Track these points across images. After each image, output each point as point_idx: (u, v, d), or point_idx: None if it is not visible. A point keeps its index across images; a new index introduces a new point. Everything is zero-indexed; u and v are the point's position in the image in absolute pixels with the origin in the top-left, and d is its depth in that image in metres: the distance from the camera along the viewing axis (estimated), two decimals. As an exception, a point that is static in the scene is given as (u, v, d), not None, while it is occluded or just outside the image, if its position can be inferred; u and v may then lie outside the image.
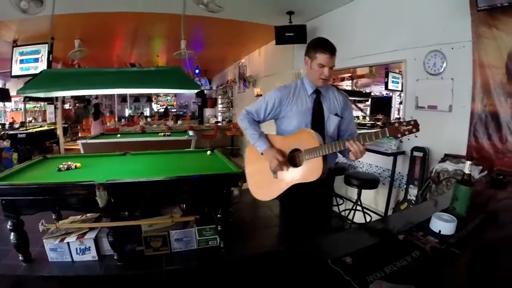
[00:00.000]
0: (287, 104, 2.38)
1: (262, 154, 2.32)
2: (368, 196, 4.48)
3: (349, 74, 7.37)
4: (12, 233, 3.22)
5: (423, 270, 1.20)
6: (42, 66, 6.23)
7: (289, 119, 2.39)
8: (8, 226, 3.20)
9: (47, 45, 6.03)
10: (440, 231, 1.50)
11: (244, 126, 2.44)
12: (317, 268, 1.26)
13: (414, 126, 1.86)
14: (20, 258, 3.35)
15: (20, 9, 3.31)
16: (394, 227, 1.65)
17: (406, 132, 1.86)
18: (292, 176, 2.26)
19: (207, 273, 3.44)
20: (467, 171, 1.70)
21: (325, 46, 2.23)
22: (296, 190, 2.26)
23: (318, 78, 2.29)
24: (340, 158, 4.95)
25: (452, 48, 3.40)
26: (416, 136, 1.86)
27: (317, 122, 2.37)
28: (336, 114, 2.42)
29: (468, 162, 1.70)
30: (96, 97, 17.06)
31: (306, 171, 2.19)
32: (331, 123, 2.40)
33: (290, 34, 5.64)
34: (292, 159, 2.28)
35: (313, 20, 5.84)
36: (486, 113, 3.13)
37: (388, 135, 1.91)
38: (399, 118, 1.88)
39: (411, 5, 3.88)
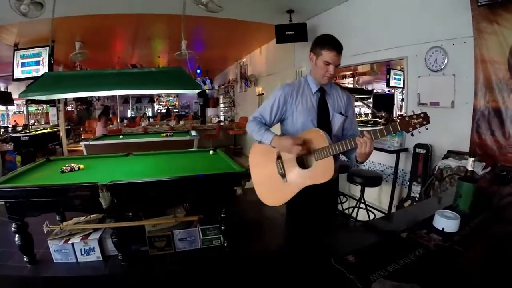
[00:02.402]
0: (292, 102, 2.32)
1: (272, 146, 2.24)
2: (371, 193, 4.48)
3: (351, 72, 7.35)
4: (17, 235, 3.23)
5: (427, 268, 1.20)
6: (43, 69, 6.24)
7: (294, 118, 2.34)
8: (12, 228, 3.20)
9: (48, 48, 6.05)
10: (443, 228, 1.49)
11: (251, 129, 2.36)
12: (320, 267, 1.25)
13: (425, 118, 1.85)
14: (25, 259, 3.35)
15: (20, 13, 3.32)
16: (397, 225, 1.64)
17: (417, 125, 1.85)
18: (304, 178, 2.18)
19: (211, 272, 3.47)
20: (469, 168, 1.70)
21: (332, 44, 2.18)
22: (304, 191, 2.19)
23: (323, 76, 2.24)
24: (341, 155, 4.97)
25: (453, 44, 3.39)
26: (426, 129, 1.87)
27: (323, 120, 2.32)
28: (341, 113, 2.37)
29: (471, 159, 1.69)
30: (98, 98, 17.11)
31: (318, 173, 2.12)
32: (336, 121, 2.35)
33: (291, 32, 5.63)
34: (300, 160, 2.22)
35: (313, 18, 5.83)
36: (489, 109, 3.12)
37: (399, 129, 1.87)
38: (401, 114, 1.87)
39: (411, 1, 3.88)
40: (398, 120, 1.89)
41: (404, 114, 1.89)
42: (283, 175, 2.25)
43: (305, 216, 2.39)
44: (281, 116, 2.39)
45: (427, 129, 1.88)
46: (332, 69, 2.20)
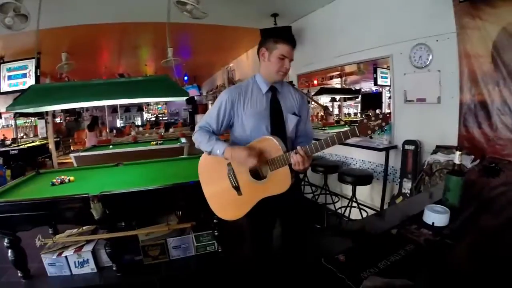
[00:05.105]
0: (239, 106, 2.15)
1: (225, 157, 2.07)
2: (363, 192, 4.50)
3: (338, 72, 7.37)
4: (10, 250, 3.20)
5: (417, 263, 1.21)
6: (30, 81, 6.17)
7: (243, 123, 2.16)
8: (5, 243, 3.18)
9: (34, 60, 6.00)
10: (433, 223, 1.50)
11: (199, 140, 2.17)
12: (310, 267, 1.25)
13: (384, 119, 1.77)
14: (19, 274, 3.32)
15: (4, 26, 3.29)
16: (387, 222, 1.65)
17: (376, 127, 1.78)
18: (259, 191, 2.07)
19: (206, 278, 3.45)
20: (457, 161, 1.71)
21: (287, 37, 2.09)
22: (264, 201, 2.08)
23: (278, 71, 2.12)
24: (330, 155, 4.97)
25: (437, 41, 3.42)
26: (385, 129, 1.79)
27: (276, 123, 2.17)
28: (294, 113, 2.23)
29: (458, 153, 1.71)
30: (87, 109, 17.00)
31: (274, 184, 2.01)
32: (290, 123, 2.21)
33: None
34: (254, 171, 2.08)
35: (298, 21, 5.85)
36: (475, 103, 3.16)
37: (358, 134, 1.81)
38: (367, 114, 1.73)
39: (393, 0, 3.92)
40: (358, 124, 1.81)
41: (366, 115, 1.82)
42: (237, 188, 2.13)
43: (269, 225, 2.31)
44: (229, 121, 2.21)
45: (385, 129, 1.76)
46: (288, 64, 2.11)
